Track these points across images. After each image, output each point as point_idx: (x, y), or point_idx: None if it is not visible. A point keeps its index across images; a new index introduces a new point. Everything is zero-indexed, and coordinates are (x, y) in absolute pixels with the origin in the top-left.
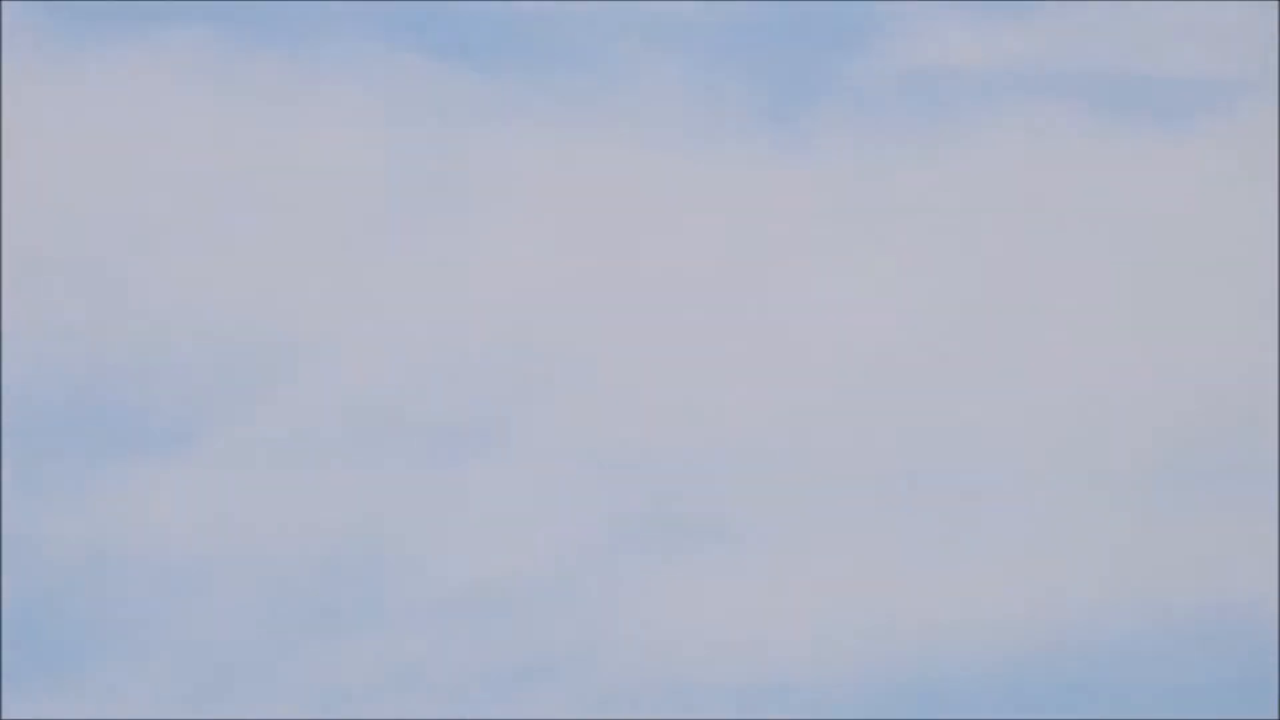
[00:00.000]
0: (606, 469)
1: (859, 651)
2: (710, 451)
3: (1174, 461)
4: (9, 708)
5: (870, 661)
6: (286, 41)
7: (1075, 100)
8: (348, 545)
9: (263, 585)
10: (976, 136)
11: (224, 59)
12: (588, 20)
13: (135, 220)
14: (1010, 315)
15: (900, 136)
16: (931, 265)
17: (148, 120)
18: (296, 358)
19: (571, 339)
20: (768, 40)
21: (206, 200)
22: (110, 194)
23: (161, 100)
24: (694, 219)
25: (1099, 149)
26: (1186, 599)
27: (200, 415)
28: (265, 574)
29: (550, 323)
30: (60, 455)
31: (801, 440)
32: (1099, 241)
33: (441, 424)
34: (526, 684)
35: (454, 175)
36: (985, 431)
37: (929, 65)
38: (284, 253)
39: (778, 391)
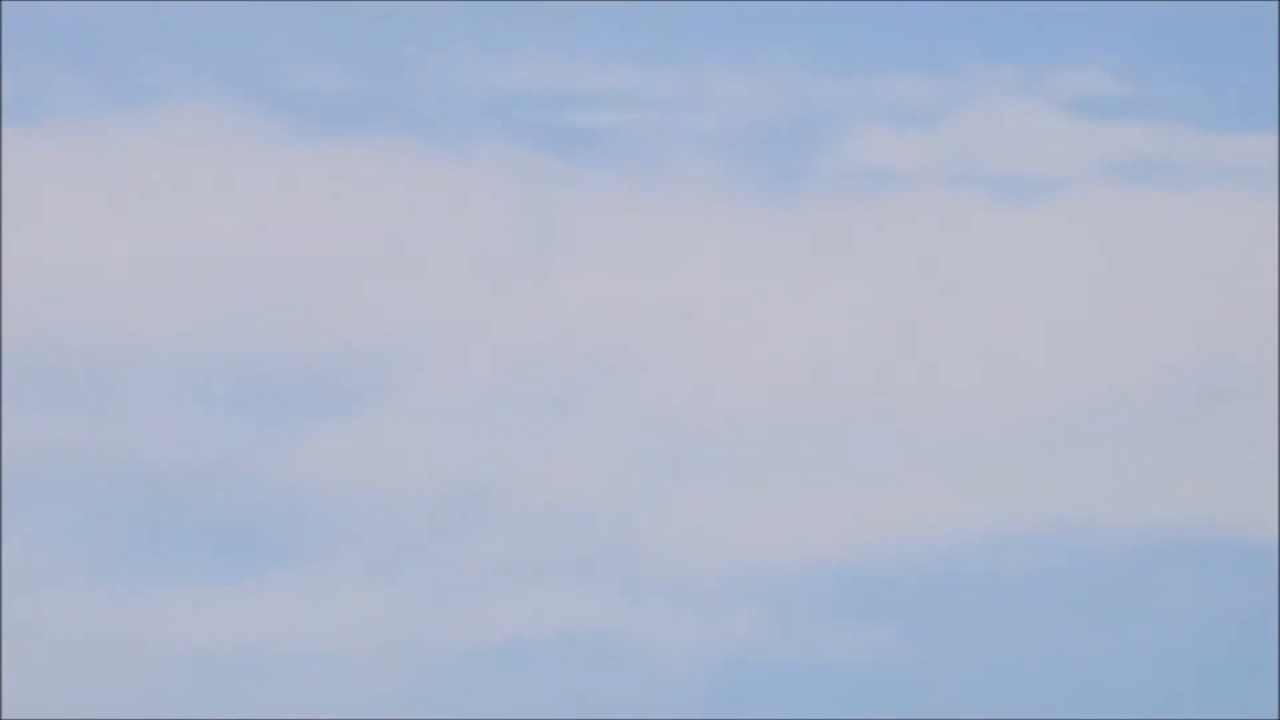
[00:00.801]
0: (655, 430)
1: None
2: (733, 418)
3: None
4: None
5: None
6: (447, 140)
7: (967, 187)
8: (476, 481)
9: (412, 507)
10: (899, 208)
11: (405, 155)
12: (643, 128)
13: (348, 259)
14: (930, 321)
15: (850, 207)
16: (875, 292)
17: (360, 197)
18: (441, 350)
19: (631, 339)
20: (763, 142)
21: (392, 244)
22: (346, 242)
23: (369, 187)
24: (713, 259)
25: (981, 221)
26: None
27: (367, 389)
28: (414, 500)
29: (616, 328)
30: (271, 414)
31: (796, 408)
32: (982, 279)
33: (543, 400)
34: (597, 570)
35: (554, 228)
36: (911, 396)
37: (870, 160)
38: (438, 280)
39: (770, 372)
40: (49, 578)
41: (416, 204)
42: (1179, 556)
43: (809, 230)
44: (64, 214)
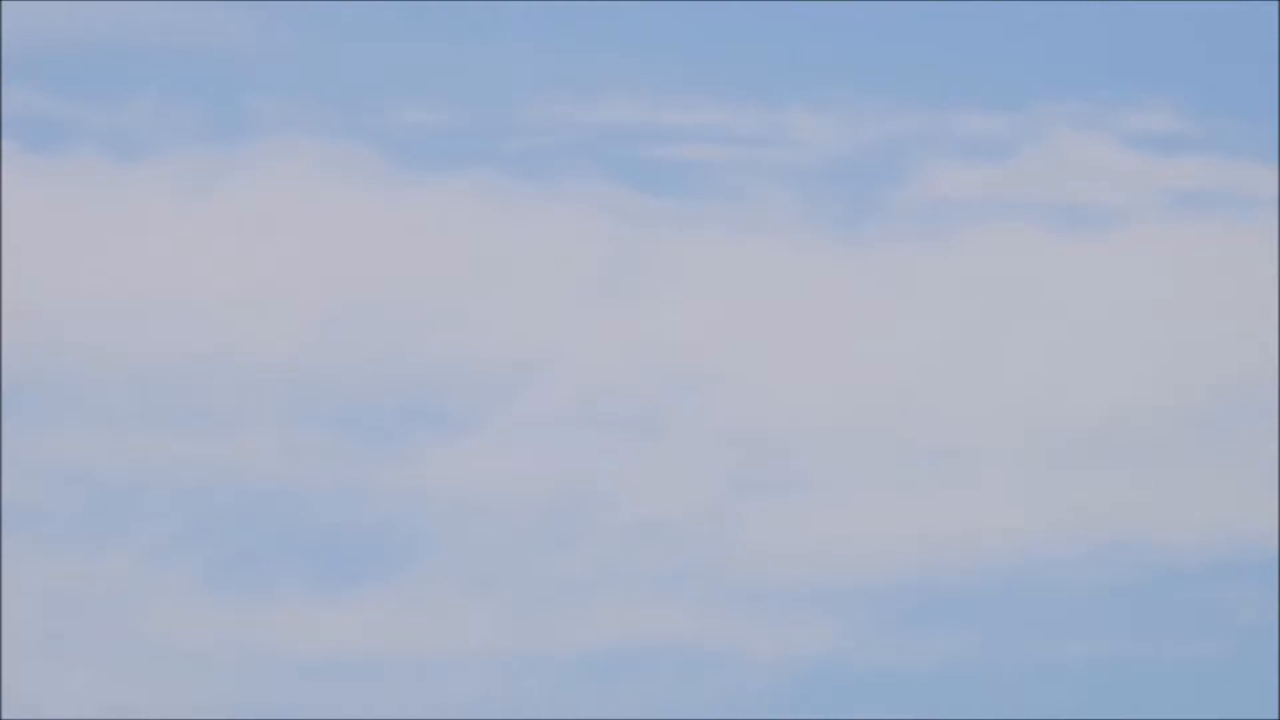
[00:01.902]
0: (738, 449)
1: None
2: (811, 439)
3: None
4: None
5: (917, 568)
6: (538, 175)
7: (1036, 218)
8: (568, 498)
9: (508, 523)
10: (970, 239)
11: (498, 189)
12: (725, 163)
13: (444, 287)
14: (999, 348)
15: (922, 238)
16: (946, 319)
17: (457, 229)
18: (535, 373)
19: (713, 363)
20: (840, 175)
21: (487, 273)
22: (444, 271)
23: (465, 219)
24: (792, 288)
25: (1050, 251)
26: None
27: (464, 411)
28: (509, 516)
29: (699, 353)
30: (371, 434)
31: (871, 430)
32: (1052, 308)
33: (631, 421)
34: (683, 583)
35: (640, 258)
36: (981, 417)
37: (943, 193)
38: (530, 307)
39: (845, 396)
40: (159, 590)
41: (510, 235)
42: (1237, 571)
43: (884, 260)
44: (173, 243)
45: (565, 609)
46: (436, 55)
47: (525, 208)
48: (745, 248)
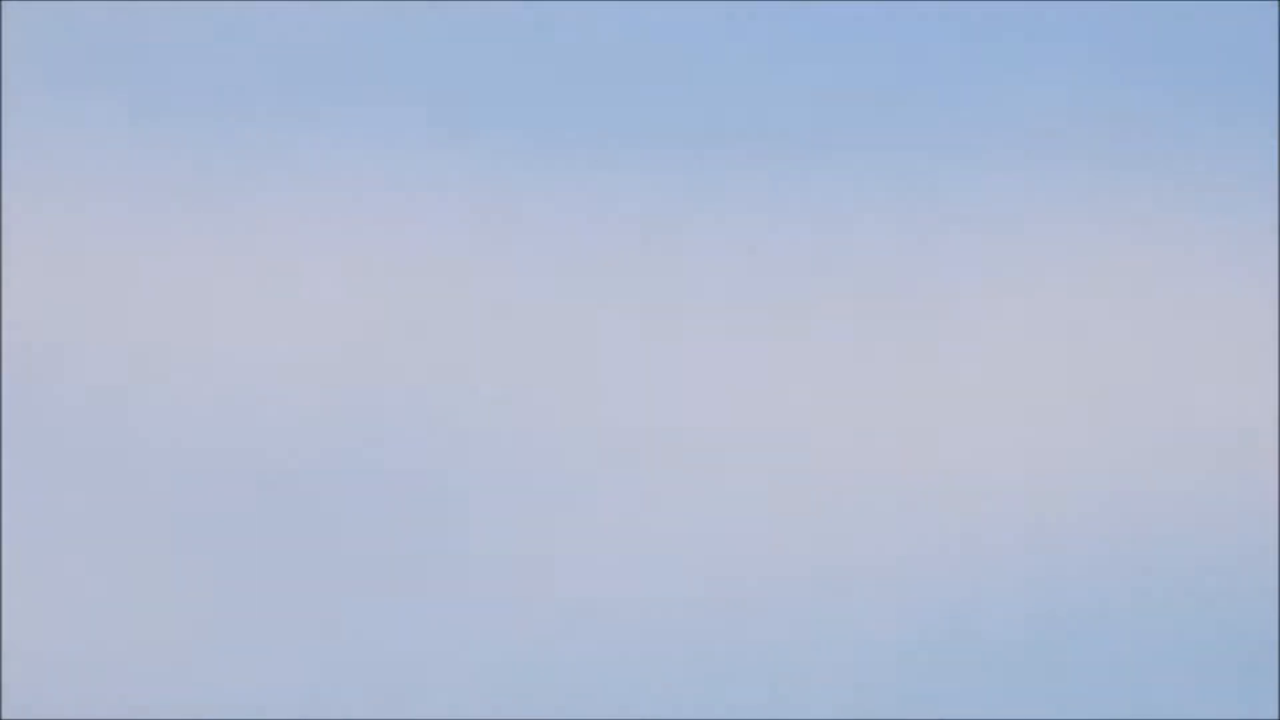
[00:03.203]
0: (765, 457)
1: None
2: (847, 447)
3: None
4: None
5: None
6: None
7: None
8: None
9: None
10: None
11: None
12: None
13: (480, 300)
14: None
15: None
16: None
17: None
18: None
19: (752, 357)
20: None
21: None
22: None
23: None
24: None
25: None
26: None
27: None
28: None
29: (737, 341)
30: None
31: (924, 436)
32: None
33: (674, 433)
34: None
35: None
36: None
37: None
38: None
39: (886, 401)
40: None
41: (546, 257)
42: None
43: (948, 305)
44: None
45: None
46: (447, 55)
47: (556, 237)
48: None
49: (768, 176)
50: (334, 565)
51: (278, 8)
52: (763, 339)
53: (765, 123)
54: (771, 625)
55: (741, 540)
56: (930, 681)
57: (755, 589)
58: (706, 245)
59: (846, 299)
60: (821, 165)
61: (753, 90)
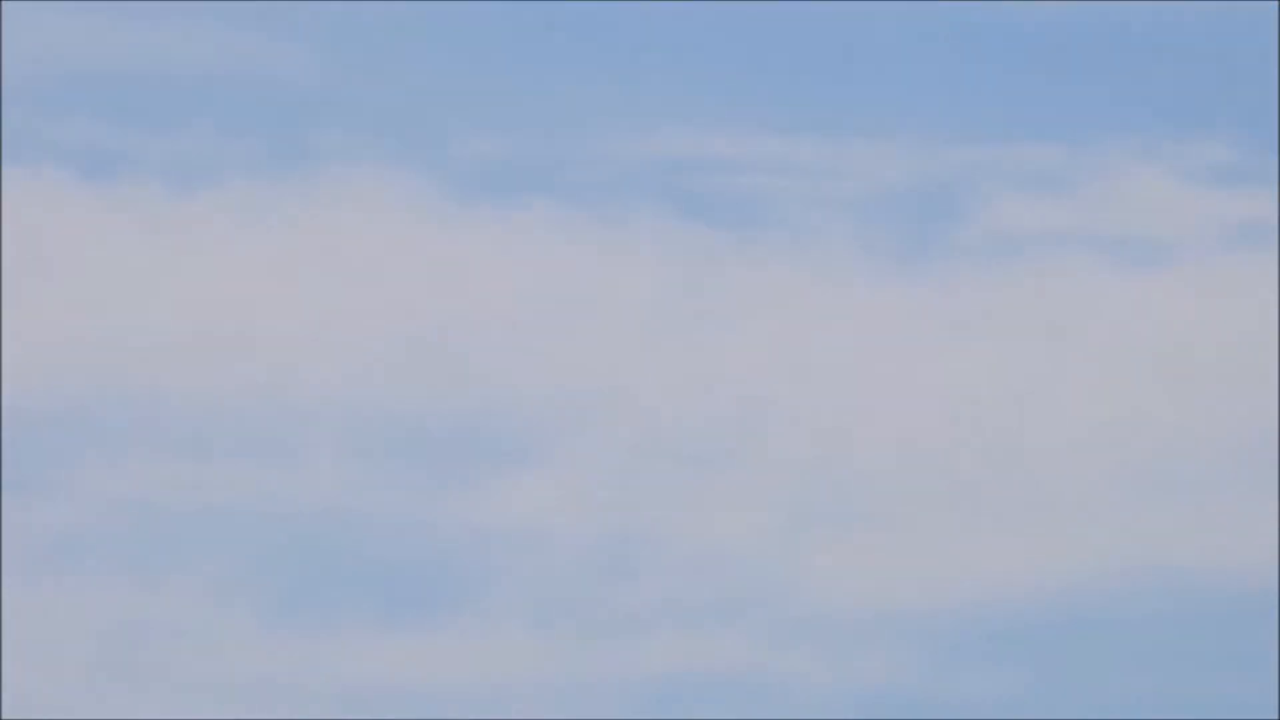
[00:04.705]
0: (797, 483)
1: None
2: (868, 471)
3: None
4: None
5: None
6: (599, 205)
7: (1095, 251)
8: (628, 530)
9: (568, 554)
10: (1028, 271)
11: (560, 220)
12: (785, 193)
13: (506, 318)
14: (1049, 379)
15: (982, 269)
16: (1004, 349)
17: (520, 259)
18: (595, 406)
19: (774, 396)
20: (900, 206)
21: (548, 304)
22: (505, 301)
23: (528, 249)
24: (852, 318)
25: (1107, 283)
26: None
27: (522, 445)
28: (569, 547)
29: (760, 386)
30: (429, 467)
31: (927, 461)
32: (1109, 338)
33: (689, 449)
34: (741, 613)
35: (701, 289)
36: (1039, 451)
37: (1002, 225)
38: (589, 337)
39: (903, 427)
40: (222, 622)
41: (569, 267)
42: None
43: (943, 293)
44: (233, 273)
45: (628, 639)
46: (495, 86)
47: (584, 239)
48: (804, 280)
49: None
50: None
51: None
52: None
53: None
54: None
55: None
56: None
57: None
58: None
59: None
60: None
61: None
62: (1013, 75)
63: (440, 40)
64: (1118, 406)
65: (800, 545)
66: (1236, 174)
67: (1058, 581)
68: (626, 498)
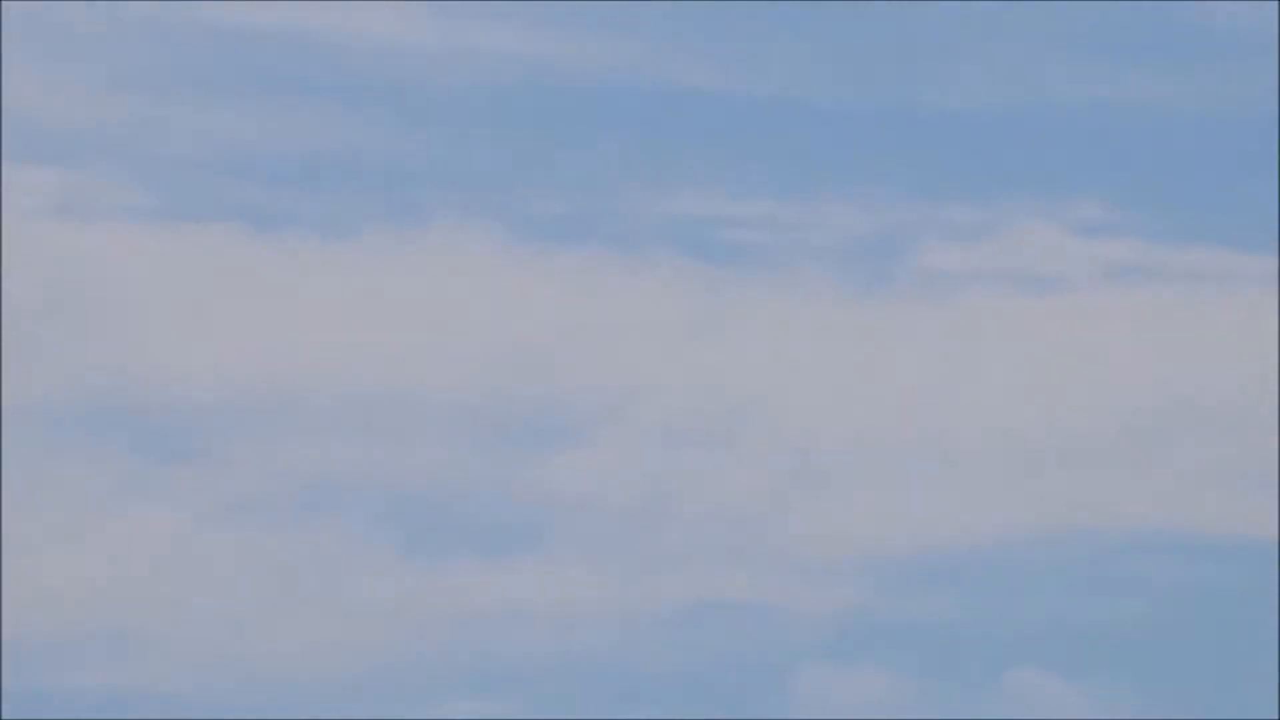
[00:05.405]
0: (784, 459)
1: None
2: (839, 449)
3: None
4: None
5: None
6: (632, 250)
7: (1002, 286)
8: (663, 487)
9: (615, 511)
10: (955, 302)
11: (602, 262)
12: (774, 243)
13: (564, 337)
14: (972, 379)
15: (921, 300)
16: (938, 360)
17: (574, 292)
18: (630, 403)
19: (765, 395)
20: (860, 252)
21: (593, 326)
22: (563, 324)
23: (580, 284)
24: (824, 339)
25: (1012, 310)
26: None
27: (578, 430)
28: (616, 505)
29: (754, 388)
30: (510, 446)
31: (884, 440)
32: (1014, 350)
33: (704, 438)
34: (745, 556)
35: (709, 317)
36: (968, 433)
37: (934, 266)
38: (625, 352)
39: (864, 417)
40: (357, 564)
41: (611, 296)
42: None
43: (892, 317)
44: (367, 300)
45: (659, 574)
46: (553, 161)
47: (621, 275)
48: (787, 306)
49: None
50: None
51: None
52: None
53: None
54: None
55: None
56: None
57: None
58: None
59: None
60: None
61: None
62: (940, 154)
63: (511, 125)
64: (1018, 398)
65: (790, 504)
66: (1106, 227)
67: (978, 529)
68: (656, 468)
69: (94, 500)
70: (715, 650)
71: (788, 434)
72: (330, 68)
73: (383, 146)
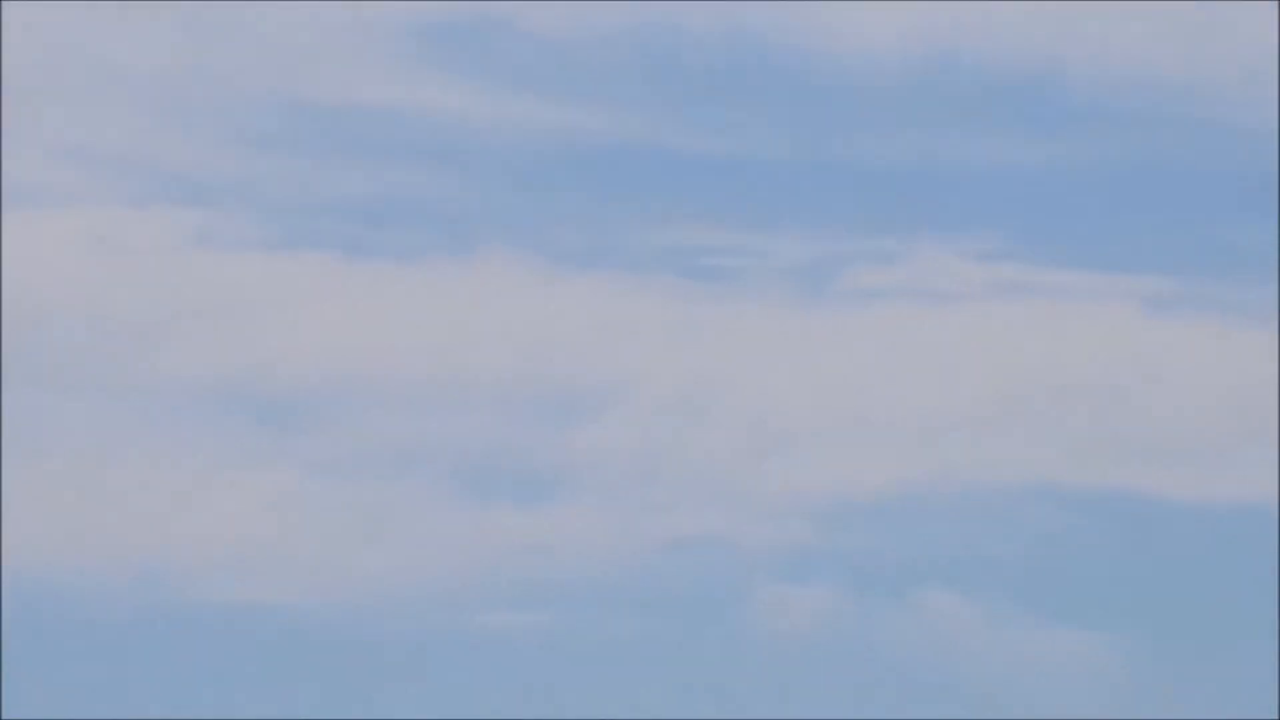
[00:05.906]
0: (750, 427)
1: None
2: (788, 413)
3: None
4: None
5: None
6: (638, 273)
7: (915, 301)
8: (658, 449)
9: (629, 464)
10: (877, 311)
11: (615, 282)
12: (744, 266)
13: (588, 336)
14: (889, 368)
15: (852, 311)
16: (865, 355)
17: (594, 303)
18: (635, 383)
19: (736, 380)
20: (807, 273)
21: (609, 327)
22: (587, 327)
23: (598, 299)
24: (781, 338)
25: (922, 319)
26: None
27: (606, 401)
28: (629, 461)
29: (728, 375)
30: (557, 415)
31: (828, 413)
32: (924, 350)
33: (686, 410)
34: (725, 501)
35: (696, 322)
36: (886, 405)
37: (862, 285)
38: (631, 345)
39: (812, 397)
40: (425, 509)
41: (619, 306)
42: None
43: (827, 322)
44: (431, 313)
45: (662, 516)
46: (576, 200)
47: (627, 290)
48: (752, 315)
49: None
50: None
51: None
52: None
53: None
54: None
55: None
56: None
57: None
58: None
59: None
60: None
61: None
62: (866, 199)
63: (542, 177)
64: (925, 383)
65: (753, 462)
66: (994, 254)
67: (896, 480)
68: (652, 435)
69: (225, 459)
70: (696, 573)
71: (751, 409)
72: (404, 133)
73: (443, 194)
